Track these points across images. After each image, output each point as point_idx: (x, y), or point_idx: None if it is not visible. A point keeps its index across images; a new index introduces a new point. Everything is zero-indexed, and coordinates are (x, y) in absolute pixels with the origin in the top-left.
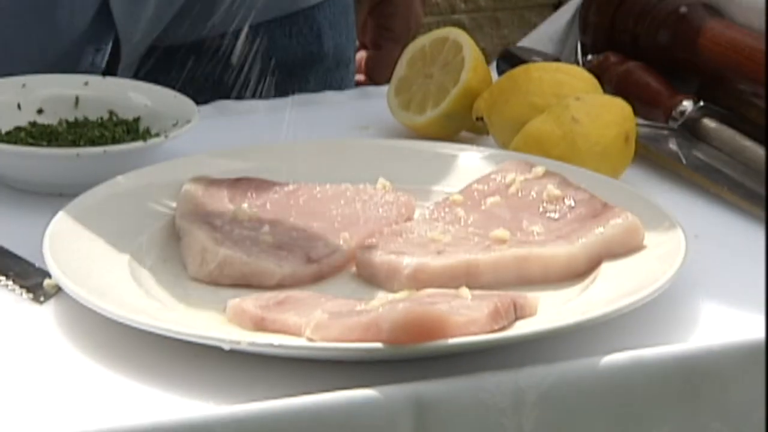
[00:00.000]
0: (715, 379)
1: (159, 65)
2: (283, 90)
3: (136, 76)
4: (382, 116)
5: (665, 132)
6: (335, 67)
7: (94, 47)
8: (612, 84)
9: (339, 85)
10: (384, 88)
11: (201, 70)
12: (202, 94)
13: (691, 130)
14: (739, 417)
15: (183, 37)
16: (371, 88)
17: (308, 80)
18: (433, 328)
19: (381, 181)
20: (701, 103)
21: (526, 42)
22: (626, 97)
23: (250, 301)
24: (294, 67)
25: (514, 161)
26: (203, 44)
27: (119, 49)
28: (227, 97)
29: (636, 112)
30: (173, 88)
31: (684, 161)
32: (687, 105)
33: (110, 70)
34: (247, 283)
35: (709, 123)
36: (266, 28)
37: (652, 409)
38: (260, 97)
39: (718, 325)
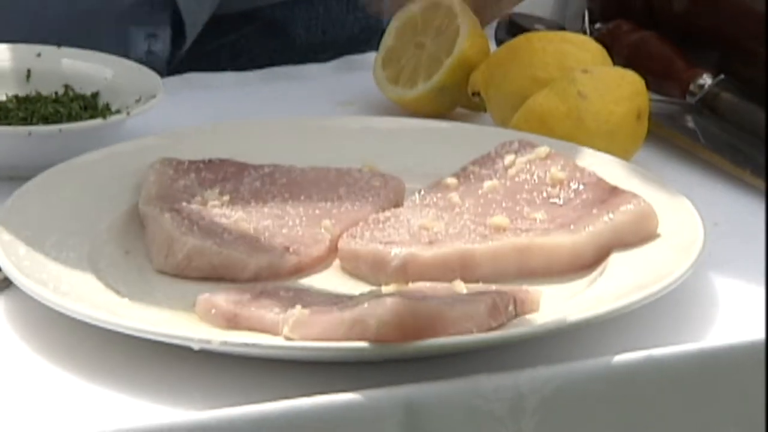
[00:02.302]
0: (735, 381)
1: (209, 36)
2: None
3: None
4: (367, 91)
5: (681, 108)
6: None
7: (147, 31)
8: (623, 55)
9: None
10: (369, 60)
11: (252, 42)
12: (250, 68)
13: (710, 106)
14: (759, 422)
15: (237, 5)
16: (355, 60)
17: None
18: (424, 325)
19: (367, 163)
20: (721, 77)
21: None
22: (638, 70)
23: (221, 296)
24: (351, 44)
25: (514, 141)
26: (255, 15)
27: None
28: None
29: (649, 87)
30: (222, 60)
31: (702, 140)
32: (706, 78)
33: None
34: (218, 276)
35: (730, 98)
36: (322, 1)
37: (665, 413)
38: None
39: (738, 322)
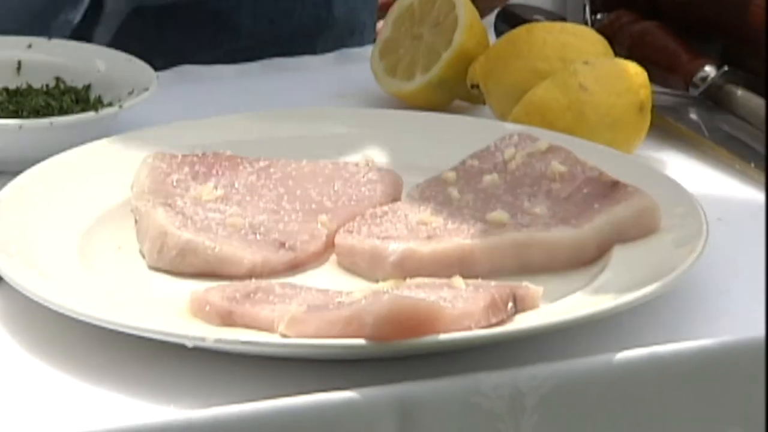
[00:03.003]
0: (738, 380)
1: (145, 28)
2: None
3: (117, 39)
4: (364, 83)
5: (685, 100)
6: (348, 34)
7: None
8: (625, 46)
9: None
10: (366, 52)
11: (198, 31)
12: (192, 61)
13: (714, 99)
14: (762, 422)
15: None
16: (352, 52)
17: (315, 49)
18: (421, 322)
19: (364, 156)
20: (725, 68)
21: None
22: (641, 61)
23: (216, 293)
24: (299, 34)
25: (514, 134)
26: (202, 3)
27: (100, 8)
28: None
29: (652, 79)
30: (159, 54)
31: (706, 133)
32: (709, 70)
33: (88, 32)
34: (212, 273)
35: (735, 90)
36: None
37: (668, 412)
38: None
39: (743, 319)
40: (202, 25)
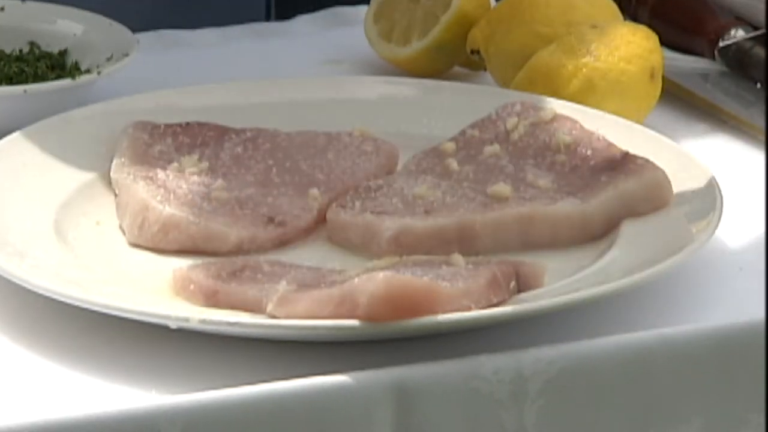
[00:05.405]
0: (755, 363)
1: None
2: None
3: None
4: (358, 48)
5: (705, 66)
6: None
7: None
8: (647, 6)
9: None
10: (360, 14)
11: None
12: None
13: (739, 64)
14: None
15: None
16: (344, 13)
17: None
18: (418, 302)
19: (357, 126)
20: (759, 31)
21: None
22: (663, 23)
23: (200, 271)
24: None
25: (517, 102)
26: None
27: None
28: None
29: (675, 42)
30: None
31: (725, 102)
32: (738, 33)
33: None
34: (197, 249)
35: (761, 54)
36: None
37: (680, 398)
38: None
39: (758, 299)
40: None
